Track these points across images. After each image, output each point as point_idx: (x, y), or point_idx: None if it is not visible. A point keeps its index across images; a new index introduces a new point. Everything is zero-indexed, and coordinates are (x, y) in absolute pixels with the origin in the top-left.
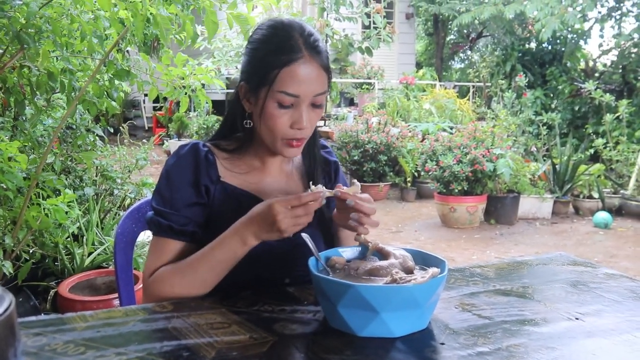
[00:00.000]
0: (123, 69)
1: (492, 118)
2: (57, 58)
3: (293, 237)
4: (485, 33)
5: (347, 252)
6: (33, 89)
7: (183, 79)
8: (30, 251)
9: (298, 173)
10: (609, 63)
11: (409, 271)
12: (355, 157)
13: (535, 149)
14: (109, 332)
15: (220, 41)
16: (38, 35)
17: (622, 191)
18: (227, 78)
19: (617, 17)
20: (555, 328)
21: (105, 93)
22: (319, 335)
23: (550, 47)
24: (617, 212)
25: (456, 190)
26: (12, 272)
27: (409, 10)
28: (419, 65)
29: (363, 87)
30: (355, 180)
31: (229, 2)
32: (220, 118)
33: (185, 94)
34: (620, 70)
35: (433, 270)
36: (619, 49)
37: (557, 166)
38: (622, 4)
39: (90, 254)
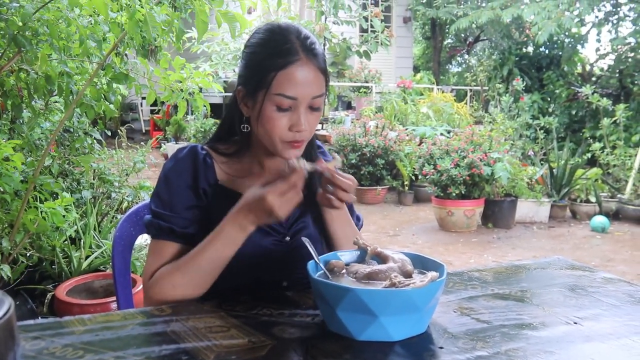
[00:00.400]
0: (121, 72)
1: (490, 122)
2: (55, 61)
3: (291, 240)
4: (482, 37)
5: (346, 255)
6: (30, 93)
7: (181, 82)
8: (28, 254)
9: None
10: (606, 67)
11: (407, 275)
12: (353, 161)
13: (533, 153)
14: (107, 336)
15: (217, 44)
16: (35, 39)
17: (619, 195)
18: (224, 81)
19: (614, 21)
20: (554, 332)
21: (103, 96)
22: (317, 339)
23: (547, 51)
24: (614, 216)
25: (454, 194)
26: (10, 275)
27: (407, 14)
28: (416, 69)
29: (361, 90)
30: (336, 155)
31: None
32: (218, 121)
33: (183, 97)
34: (617, 75)
35: (432, 274)
36: (616, 53)
37: (554, 170)
38: (619, 8)
39: (87, 257)
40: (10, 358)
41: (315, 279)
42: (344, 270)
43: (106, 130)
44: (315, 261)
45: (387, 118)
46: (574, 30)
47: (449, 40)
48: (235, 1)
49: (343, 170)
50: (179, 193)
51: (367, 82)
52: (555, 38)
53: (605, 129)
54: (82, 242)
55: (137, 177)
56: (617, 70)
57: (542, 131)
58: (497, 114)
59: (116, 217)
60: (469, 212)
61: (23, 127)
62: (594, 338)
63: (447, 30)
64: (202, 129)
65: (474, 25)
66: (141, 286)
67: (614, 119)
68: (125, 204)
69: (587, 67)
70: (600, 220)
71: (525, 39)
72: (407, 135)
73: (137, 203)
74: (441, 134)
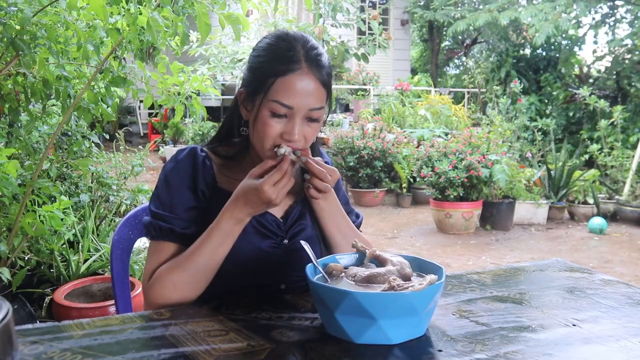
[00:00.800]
0: (119, 76)
1: (487, 124)
2: (52, 65)
3: (289, 243)
4: (480, 39)
5: (345, 258)
6: (28, 96)
7: (178, 86)
8: (26, 258)
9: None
10: (603, 69)
11: (406, 278)
12: (351, 163)
13: (531, 155)
14: (106, 340)
15: (215, 47)
16: (33, 42)
17: (616, 197)
18: (222, 84)
19: (611, 23)
20: (552, 334)
21: (100, 100)
22: (316, 343)
23: (544, 53)
24: (612, 217)
25: (452, 196)
26: (10, 278)
27: (404, 16)
28: (414, 72)
29: (358, 93)
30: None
31: (220, 3)
32: (216, 124)
33: (180, 102)
34: (614, 76)
35: (430, 277)
36: (613, 55)
37: (552, 172)
38: (615, 10)
39: (85, 260)
40: None
41: (313, 282)
42: (342, 274)
43: (104, 134)
44: (314, 264)
45: (385, 120)
46: (571, 32)
47: (447, 43)
48: (232, 4)
49: (340, 174)
50: (179, 194)
51: (364, 84)
52: (552, 40)
53: (603, 130)
54: (80, 246)
55: (135, 181)
56: (614, 72)
57: (539, 133)
58: (494, 116)
59: (114, 221)
60: (467, 214)
61: (21, 131)
62: (593, 340)
63: (444, 32)
64: (201, 132)
65: (471, 28)
66: (140, 289)
67: (611, 120)
68: (123, 208)
69: (585, 69)
70: (598, 221)
71: (523, 41)
72: (405, 137)
73: (135, 206)
74: (439, 136)
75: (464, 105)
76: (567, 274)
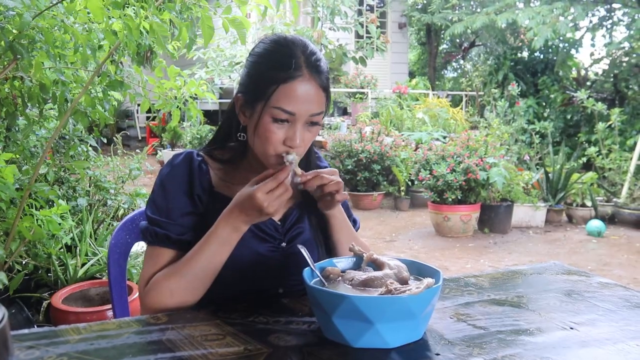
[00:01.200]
0: (116, 79)
1: (485, 127)
2: (50, 69)
3: (287, 246)
4: (477, 42)
5: (342, 262)
6: (25, 100)
7: (175, 90)
8: (23, 262)
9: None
10: (600, 72)
11: (403, 282)
12: (349, 167)
13: (528, 158)
14: (102, 345)
15: (213, 51)
16: (31, 46)
17: (614, 199)
18: (220, 88)
19: (608, 26)
20: (550, 338)
21: (97, 104)
22: (313, 347)
23: (542, 56)
24: (610, 220)
25: (450, 199)
26: (6, 282)
27: (402, 20)
28: (412, 75)
29: (356, 96)
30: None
31: (224, 7)
32: (214, 128)
33: (177, 106)
34: (612, 79)
35: (428, 280)
36: (611, 58)
37: (550, 175)
38: (613, 13)
39: (83, 264)
40: None
41: (311, 286)
42: (339, 277)
43: (102, 138)
44: (311, 268)
45: (383, 124)
46: (568, 35)
47: (444, 46)
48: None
49: (340, 175)
50: (175, 199)
51: (362, 87)
52: (550, 43)
53: (601, 133)
54: (78, 250)
55: (133, 185)
56: (612, 75)
57: (537, 136)
58: (492, 119)
59: (112, 225)
60: (465, 217)
61: (18, 135)
62: (591, 343)
63: (442, 35)
64: (198, 136)
65: (469, 31)
66: (137, 294)
67: (609, 123)
68: (121, 212)
69: (582, 72)
70: (596, 224)
71: (520, 44)
72: (403, 140)
73: (133, 210)
74: (437, 139)
75: (461, 108)
76: (564, 277)
